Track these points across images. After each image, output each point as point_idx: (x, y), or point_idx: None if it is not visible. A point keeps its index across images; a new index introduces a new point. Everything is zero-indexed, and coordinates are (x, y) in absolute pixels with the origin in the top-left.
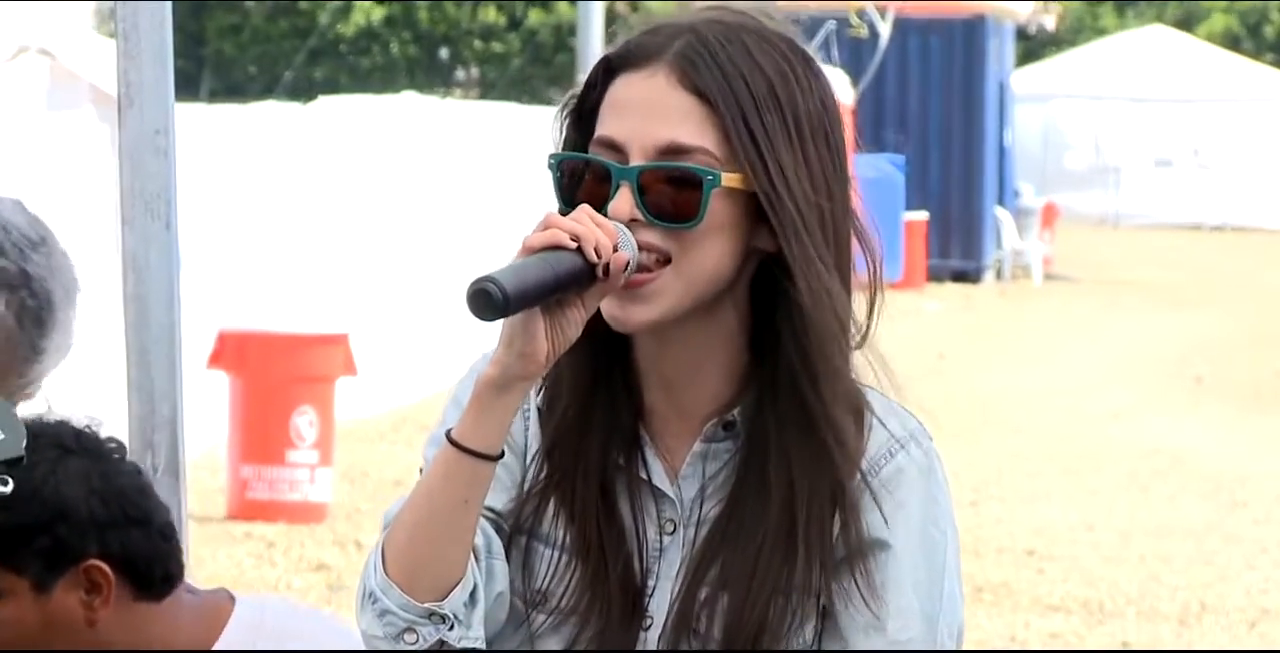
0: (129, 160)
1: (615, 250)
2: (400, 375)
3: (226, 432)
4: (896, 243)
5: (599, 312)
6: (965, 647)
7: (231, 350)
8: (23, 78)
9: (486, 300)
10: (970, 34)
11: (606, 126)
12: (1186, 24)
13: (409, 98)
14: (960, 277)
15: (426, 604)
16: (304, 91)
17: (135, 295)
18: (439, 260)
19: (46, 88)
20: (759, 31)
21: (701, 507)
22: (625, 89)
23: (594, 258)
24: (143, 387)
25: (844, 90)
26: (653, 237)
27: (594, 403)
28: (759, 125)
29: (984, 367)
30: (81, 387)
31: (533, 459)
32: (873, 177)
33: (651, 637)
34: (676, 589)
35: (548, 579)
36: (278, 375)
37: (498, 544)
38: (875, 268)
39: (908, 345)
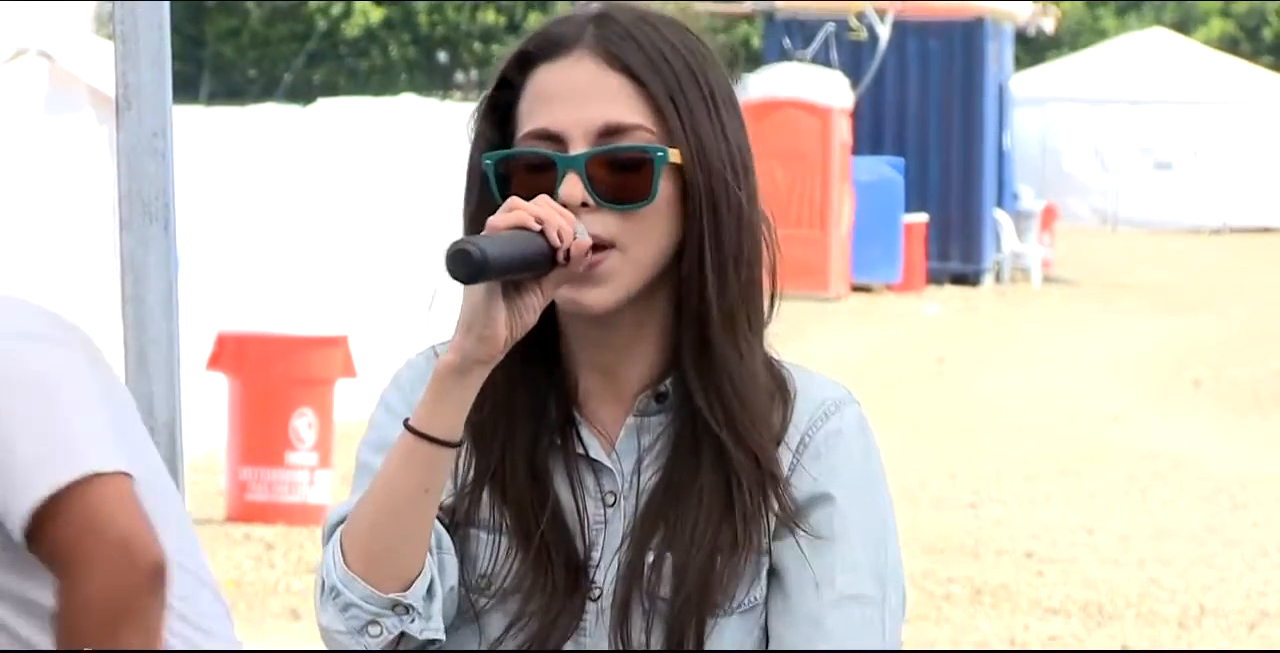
0: (127, 163)
1: (576, 237)
2: None
3: (225, 434)
4: (895, 245)
5: None
6: (962, 648)
7: (230, 353)
8: (22, 80)
9: (464, 259)
10: (969, 36)
11: (538, 119)
12: (1184, 27)
13: (408, 100)
14: (959, 279)
15: (391, 595)
16: (303, 94)
17: (133, 297)
18: (438, 262)
19: (45, 90)
20: (659, 14)
21: (640, 477)
22: (550, 78)
23: (556, 241)
24: (141, 389)
25: (843, 94)
26: (603, 224)
27: (520, 392)
28: (684, 100)
29: (983, 369)
30: None
31: (465, 447)
32: (872, 179)
33: (603, 606)
34: (622, 557)
35: (489, 563)
36: (277, 378)
37: (448, 540)
38: (772, 246)
39: (907, 348)
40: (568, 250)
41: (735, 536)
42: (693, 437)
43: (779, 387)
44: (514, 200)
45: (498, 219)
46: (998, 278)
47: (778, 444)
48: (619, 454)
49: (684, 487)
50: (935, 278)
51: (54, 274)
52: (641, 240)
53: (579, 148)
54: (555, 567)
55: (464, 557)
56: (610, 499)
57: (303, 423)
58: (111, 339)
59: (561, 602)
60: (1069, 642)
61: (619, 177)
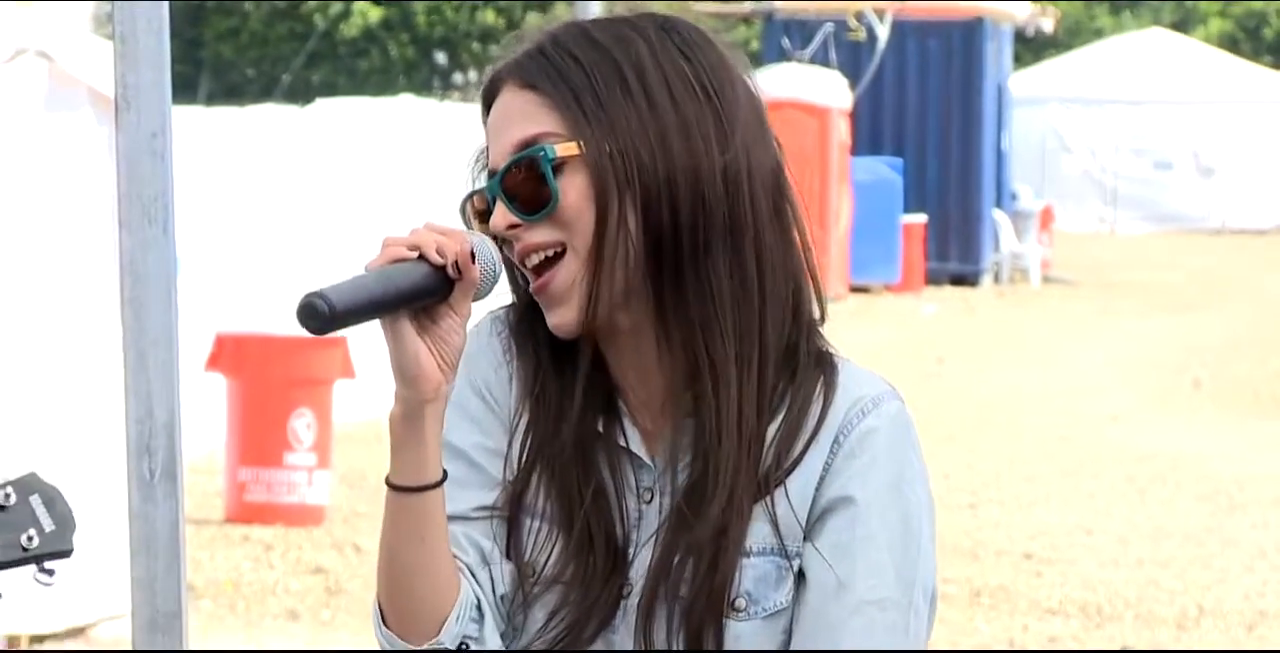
0: (126, 163)
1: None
2: None
3: (224, 435)
4: (894, 245)
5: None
6: (962, 648)
7: (229, 353)
8: (21, 80)
9: (311, 312)
10: (968, 37)
11: (489, 159)
12: (1183, 26)
13: (407, 100)
14: (958, 279)
15: (425, 646)
16: (302, 94)
17: (132, 298)
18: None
19: (45, 90)
20: (617, 18)
21: (675, 477)
22: (490, 118)
23: (436, 259)
24: (140, 390)
25: (842, 94)
26: (538, 233)
27: (574, 377)
28: (586, 88)
29: (982, 369)
30: (79, 390)
31: (518, 433)
32: (870, 179)
33: (631, 604)
34: (653, 556)
35: (533, 551)
36: (275, 378)
37: (492, 550)
38: (804, 234)
39: (906, 348)
40: (456, 264)
41: (747, 538)
42: (717, 439)
43: (826, 381)
44: (387, 237)
45: (373, 259)
46: (996, 278)
47: (809, 442)
48: (659, 450)
49: (707, 489)
50: (934, 278)
51: (54, 274)
52: (577, 238)
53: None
54: (596, 556)
55: (513, 545)
56: (647, 496)
57: (301, 424)
58: (111, 340)
59: (598, 592)
60: (1068, 643)
61: (527, 186)
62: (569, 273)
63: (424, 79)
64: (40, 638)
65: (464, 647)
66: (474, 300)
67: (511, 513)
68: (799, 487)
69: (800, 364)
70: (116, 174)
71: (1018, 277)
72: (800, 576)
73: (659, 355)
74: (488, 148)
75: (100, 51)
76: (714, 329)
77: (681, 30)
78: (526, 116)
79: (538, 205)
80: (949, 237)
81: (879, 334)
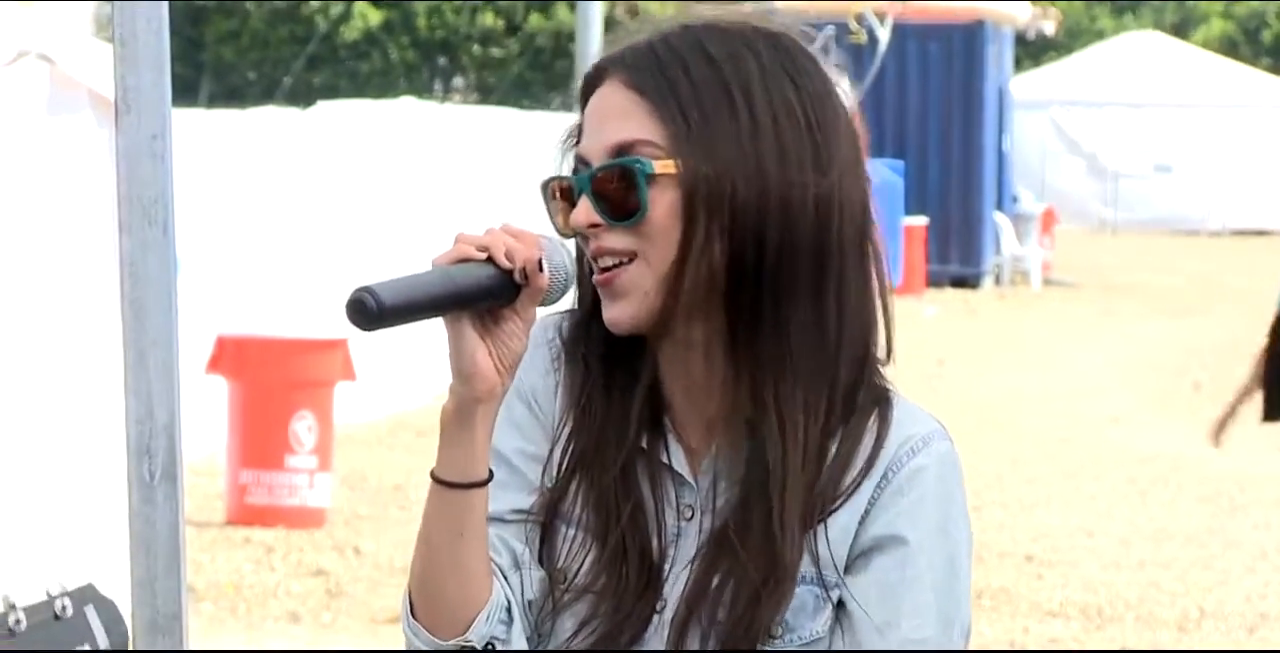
0: (126, 165)
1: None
2: (399, 381)
3: (225, 437)
4: (895, 248)
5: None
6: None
7: (230, 356)
8: (22, 83)
9: (359, 308)
10: (969, 40)
11: (580, 144)
12: (1184, 28)
13: (407, 103)
14: (959, 281)
15: (454, 641)
16: (303, 96)
17: (133, 300)
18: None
19: (46, 93)
20: (726, 24)
21: (717, 497)
22: (590, 105)
23: (505, 263)
24: (140, 392)
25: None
26: (615, 239)
27: (615, 391)
28: (693, 104)
29: (983, 372)
30: (79, 392)
31: (560, 441)
32: (872, 181)
33: (665, 619)
34: (690, 575)
35: (566, 558)
36: (276, 381)
37: (526, 555)
38: (881, 274)
39: (906, 350)
40: (524, 270)
41: (788, 567)
42: (764, 466)
43: (880, 417)
44: (460, 234)
45: (440, 256)
46: (997, 280)
47: (858, 477)
48: (703, 471)
49: (756, 513)
50: (935, 280)
51: (54, 276)
52: (653, 250)
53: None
54: (629, 569)
55: (546, 551)
56: (688, 513)
57: (302, 426)
58: (111, 341)
59: (631, 606)
60: (1069, 645)
61: (617, 193)
62: (639, 278)
63: (425, 81)
64: None
65: (490, 647)
66: (543, 305)
67: (547, 520)
68: (843, 520)
69: (859, 401)
70: (116, 176)
71: (1019, 279)
72: (840, 606)
73: (718, 380)
74: (580, 130)
75: (101, 54)
76: (785, 371)
77: (793, 53)
78: (628, 118)
79: (624, 213)
80: (950, 239)
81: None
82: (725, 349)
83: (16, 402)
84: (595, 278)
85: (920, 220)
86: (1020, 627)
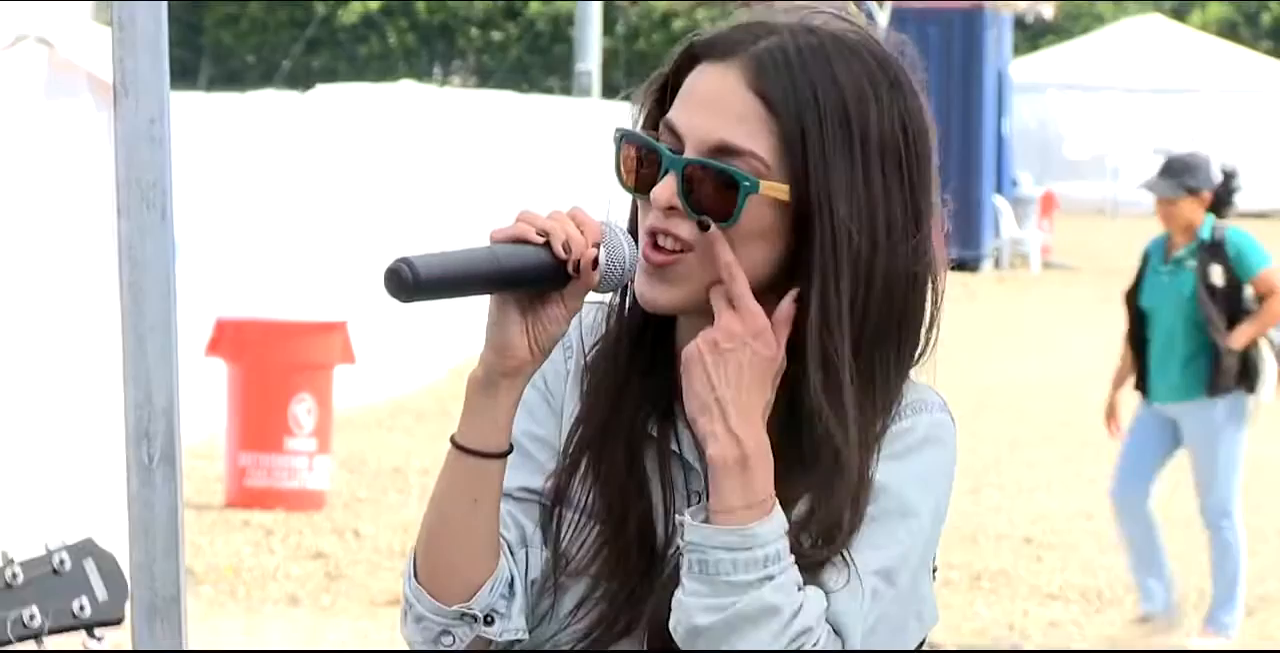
0: (124, 149)
1: (597, 246)
2: (398, 364)
3: (224, 420)
4: None
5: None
6: (963, 635)
7: (229, 339)
8: (21, 67)
9: (395, 279)
10: (968, 24)
11: (675, 111)
12: (1182, 12)
13: (407, 86)
14: (958, 265)
15: (456, 607)
16: (302, 80)
17: (131, 284)
18: (437, 248)
19: (45, 77)
20: (851, 44)
21: None
22: (699, 79)
23: (561, 254)
24: (139, 376)
25: None
26: (687, 229)
27: (632, 376)
28: (817, 138)
29: (982, 355)
30: (78, 376)
31: (570, 424)
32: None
33: (662, 599)
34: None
35: (570, 541)
36: (276, 364)
37: (533, 533)
38: (935, 313)
39: None
40: (577, 262)
41: (808, 557)
42: (777, 459)
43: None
44: (523, 212)
45: (499, 231)
46: (997, 264)
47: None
48: None
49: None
50: None
51: (53, 260)
52: (722, 261)
53: (690, 154)
54: (630, 549)
55: (551, 533)
56: (696, 498)
57: (302, 409)
58: (110, 325)
59: (630, 589)
60: (1068, 628)
61: (710, 190)
62: (695, 271)
63: (424, 65)
64: None
65: (490, 618)
66: (596, 292)
67: (554, 502)
68: None
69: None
70: (115, 160)
71: (1018, 262)
72: None
73: None
74: (667, 90)
75: (100, 38)
76: (831, 418)
77: (905, 91)
78: (743, 122)
79: (711, 213)
80: (949, 222)
81: None
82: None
83: (15, 386)
84: (649, 254)
85: None
86: (1020, 610)
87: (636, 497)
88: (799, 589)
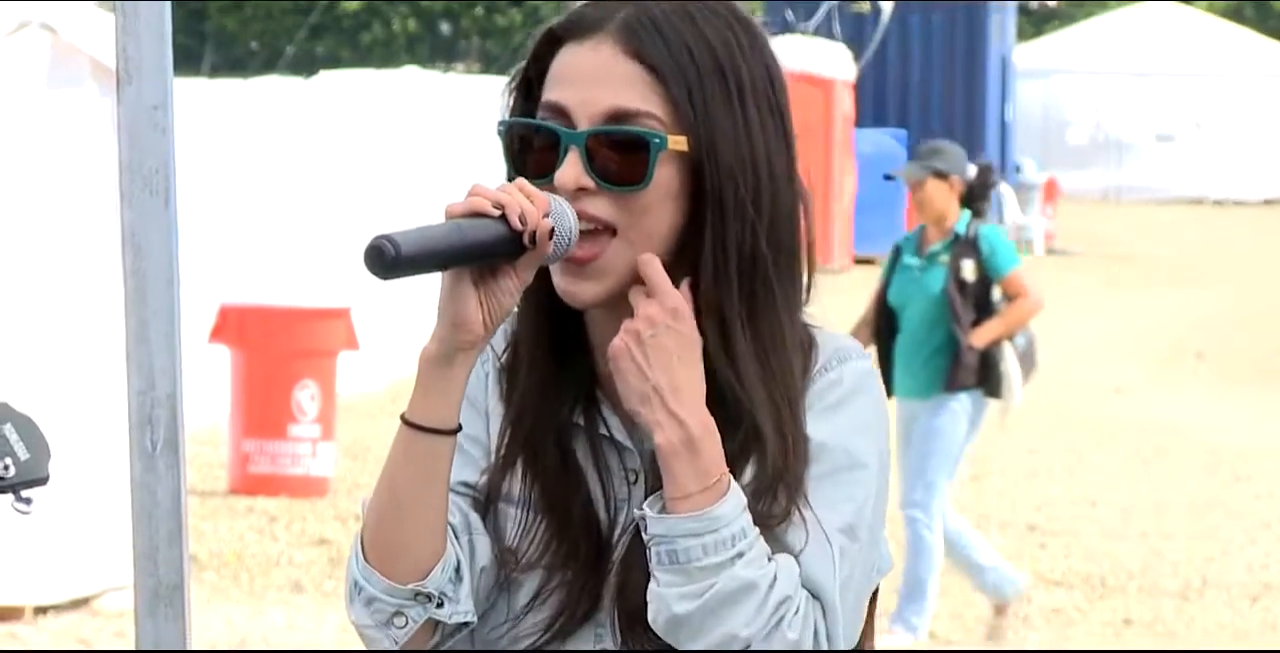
0: (127, 136)
1: (546, 216)
2: (402, 350)
3: (228, 406)
4: (898, 217)
5: (553, 285)
6: (967, 622)
7: (233, 325)
8: (24, 53)
9: (378, 256)
10: (972, 9)
11: (553, 92)
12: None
13: (410, 72)
14: None
15: (410, 586)
16: (306, 66)
17: (134, 271)
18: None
19: (48, 63)
20: (707, 6)
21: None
22: (570, 59)
23: (518, 225)
24: (142, 363)
25: (846, 66)
26: (600, 207)
27: (551, 369)
28: (700, 92)
29: None
30: (82, 363)
31: (500, 427)
32: (874, 151)
33: (612, 582)
34: (631, 535)
35: (516, 536)
36: (279, 350)
37: (477, 520)
38: (810, 247)
39: None
40: (534, 233)
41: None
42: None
43: (805, 351)
44: (476, 186)
45: (454, 206)
46: None
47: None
48: (642, 432)
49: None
50: None
51: (57, 247)
52: (639, 229)
53: (584, 128)
54: (578, 538)
55: (494, 532)
56: (633, 477)
57: (305, 395)
58: (114, 312)
59: (586, 575)
60: (1071, 614)
61: (617, 158)
62: (617, 259)
63: (427, 51)
64: (43, 609)
65: (441, 601)
66: (545, 263)
67: (491, 501)
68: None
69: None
70: (118, 146)
71: (1021, 249)
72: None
73: None
74: (533, 78)
75: (103, 24)
76: (741, 331)
77: (762, 40)
78: (630, 86)
79: (624, 182)
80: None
81: None
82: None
83: (19, 374)
84: (573, 253)
85: None
86: (1023, 597)
87: (576, 486)
88: (770, 560)
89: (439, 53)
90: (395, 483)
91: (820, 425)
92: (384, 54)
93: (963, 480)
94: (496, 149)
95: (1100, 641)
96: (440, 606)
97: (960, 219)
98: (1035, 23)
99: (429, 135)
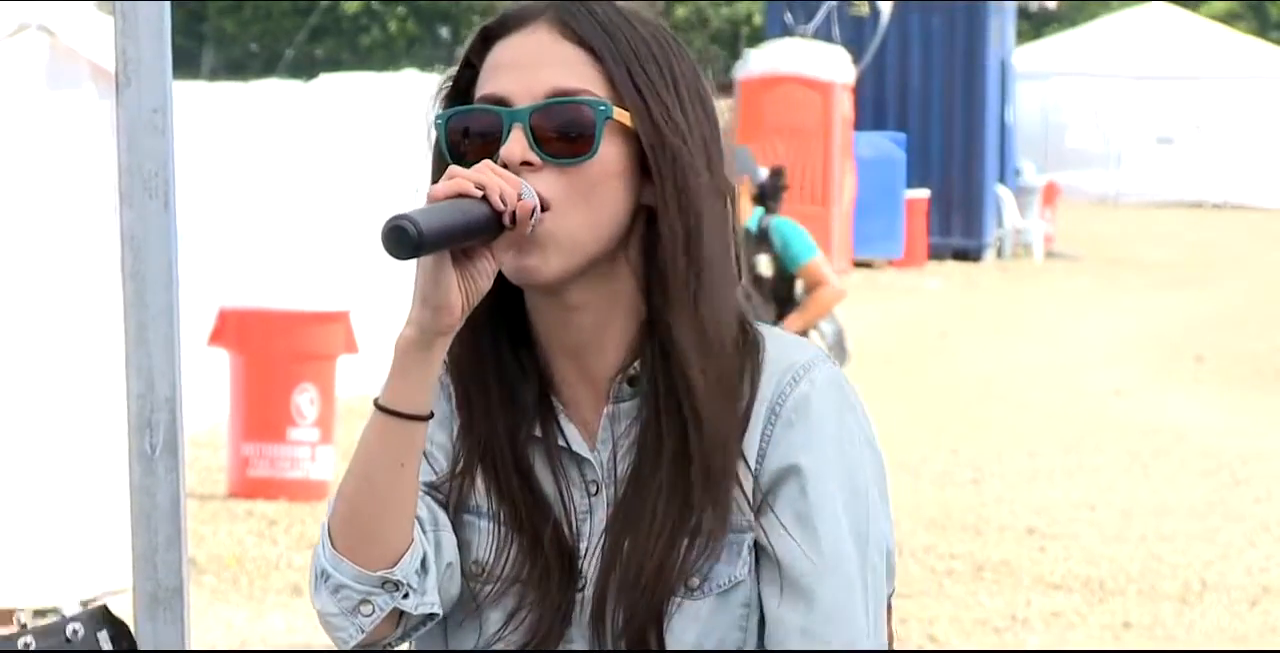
0: (126, 138)
1: (520, 198)
2: None
3: (227, 410)
4: (897, 220)
5: (490, 296)
6: (965, 625)
7: (232, 328)
8: (23, 55)
9: (400, 235)
10: (972, 12)
11: (489, 86)
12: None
13: (410, 75)
14: (961, 254)
15: (379, 573)
16: (305, 69)
17: (133, 274)
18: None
19: (47, 65)
20: (626, 6)
21: (618, 467)
22: (505, 49)
23: (500, 205)
24: (141, 366)
25: (845, 69)
26: (544, 184)
27: (498, 381)
28: (640, 73)
29: (985, 345)
30: (81, 366)
31: (456, 436)
32: (874, 155)
33: (587, 596)
34: (603, 546)
35: (485, 550)
36: (279, 353)
37: (443, 517)
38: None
39: (908, 323)
40: (513, 213)
41: (699, 521)
42: (657, 422)
43: (749, 353)
44: (454, 168)
45: (438, 189)
46: (999, 253)
47: (746, 416)
48: (599, 443)
49: (648, 474)
50: (937, 253)
51: (56, 249)
52: (585, 202)
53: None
54: (549, 557)
55: (460, 543)
56: (593, 489)
57: (305, 399)
58: (113, 314)
59: (558, 593)
60: (1071, 618)
61: (561, 131)
62: (557, 229)
63: (427, 54)
64: (42, 612)
65: (407, 593)
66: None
67: (456, 510)
68: (740, 463)
69: (743, 340)
70: (117, 149)
71: (1021, 252)
72: (758, 548)
73: (615, 336)
74: (462, 78)
75: (102, 26)
76: (688, 321)
77: (683, 46)
78: (567, 66)
79: (569, 154)
80: (952, 212)
81: (882, 309)
82: (629, 304)
83: (18, 376)
84: (517, 220)
85: (922, 193)
86: (1022, 600)
87: (542, 504)
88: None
89: (438, 55)
90: (367, 469)
91: (809, 453)
92: (384, 56)
93: (962, 483)
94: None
95: (1099, 644)
96: (406, 596)
97: (752, 216)
98: (1035, 26)
99: (429, 138)
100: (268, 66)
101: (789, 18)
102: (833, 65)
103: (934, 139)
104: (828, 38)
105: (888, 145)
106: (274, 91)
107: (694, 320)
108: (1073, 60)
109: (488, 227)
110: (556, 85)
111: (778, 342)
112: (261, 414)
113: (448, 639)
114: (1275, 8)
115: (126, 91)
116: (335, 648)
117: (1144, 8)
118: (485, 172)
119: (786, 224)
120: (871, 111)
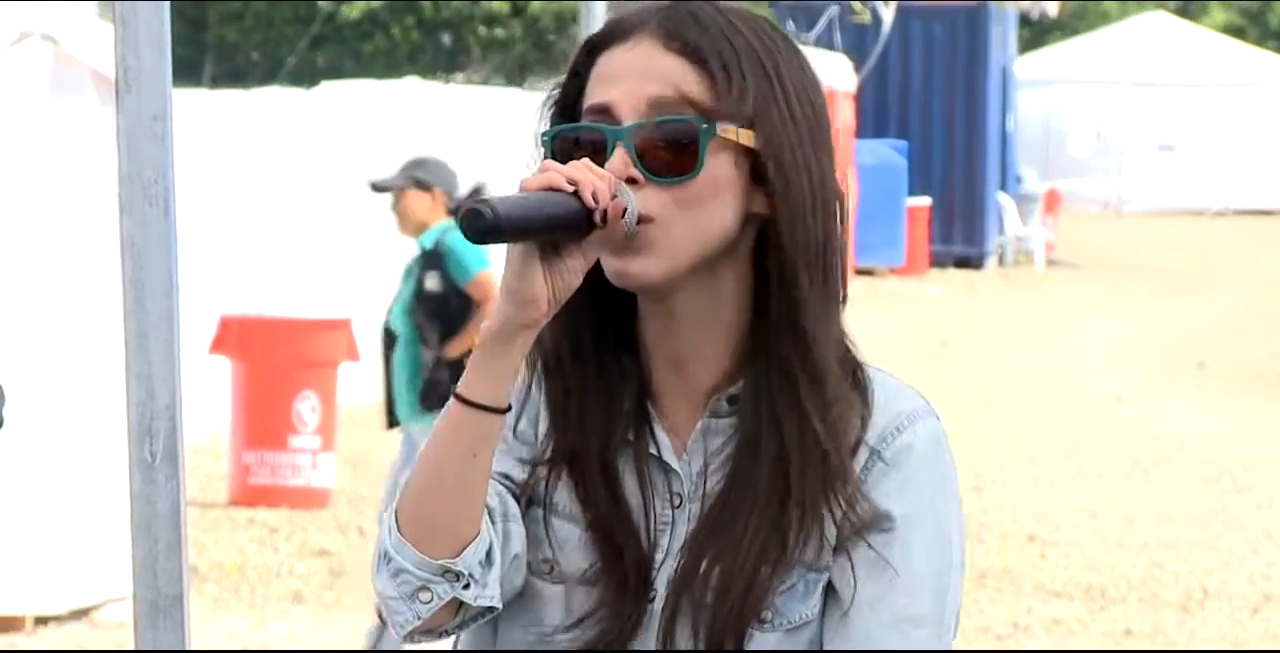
0: (127, 145)
1: (614, 198)
2: None
3: (229, 418)
4: (899, 228)
5: (602, 293)
6: (967, 632)
7: (233, 336)
8: (25, 63)
9: (477, 218)
10: (973, 20)
11: (594, 96)
12: (1186, 15)
13: (412, 83)
14: (963, 262)
15: (441, 561)
16: (307, 77)
17: (134, 280)
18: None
19: (49, 73)
20: (732, 7)
21: (706, 482)
22: (610, 62)
23: (591, 202)
24: (141, 373)
25: (847, 76)
26: (648, 199)
27: (600, 382)
28: (745, 82)
29: (986, 352)
30: (82, 373)
31: (544, 431)
32: (875, 162)
33: (656, 608)
34: (679, 563)
35: (560, 550)
36: (280, 361)
37: (514, 507)
38: (845, 244)
39: (910, 330)
40: (604, 212)
41: (785, 549)
42: (756, 443)
43: (860, 389)
44: (548, 163)
45: (530, 180)
46: (1001, 261)
47: (855, 450)
48: (689, 456)
49: (742, 494)
50: (939, 261)
51: (58, 256)
52: (690, 215)
53: (629, 121)
54: (625, 564)
55: (530, 536)
56: (677, 501)
57: (306, 406)
58: (113, 321)
59: (631, 602)
60: (1072, 625)
61: (665, 150)
62: (659, 234)
63: (429, 62)
64: (44, 620)
65: (468, 583)
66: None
67: (533, 504)
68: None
69: (846, 373)
70: (117, 156)
71: (1022, 259)
72: (830, 588)
73: (718, 348)
74: (573, 89)
75: (104, 34)
76: (798, 339)
77: (796, 47)
78: (670, 76)
79: (674, 172)
80: (954, 219)
81: (884, 317)
82: (733, 317)
83: (18, 383)
84: (627, 223)
85: (924, 201)
86: (1024, 607)
87: (624, 511)
88: None
89: (440, 64)
90: (441, 458)
91: (906, 499)
92: (385, 64)
93: (963, 490)
94: (498, 158)
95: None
96: (467, 587)
97: (431, 231)
98: (1036, 33)
99: (431, 146)
100: (269, 74)
101: (791, 25)
102: (834, 72)
103: (936, 147)
104: (829, 45)
105: (889, 153)
106: (276, 99)
107: (798, 336)
108: (1074, 68)
109: (576, 223)
110: (660, 95)
111: (887, 384)
112: (263, 422)
113: (498, 624)
114: (1275, 17)
115: (126, 99)
116: (338, 650)
117: (1145, 16)
118: (580, 168)
119: (457, 239)
120: (873, 119)
